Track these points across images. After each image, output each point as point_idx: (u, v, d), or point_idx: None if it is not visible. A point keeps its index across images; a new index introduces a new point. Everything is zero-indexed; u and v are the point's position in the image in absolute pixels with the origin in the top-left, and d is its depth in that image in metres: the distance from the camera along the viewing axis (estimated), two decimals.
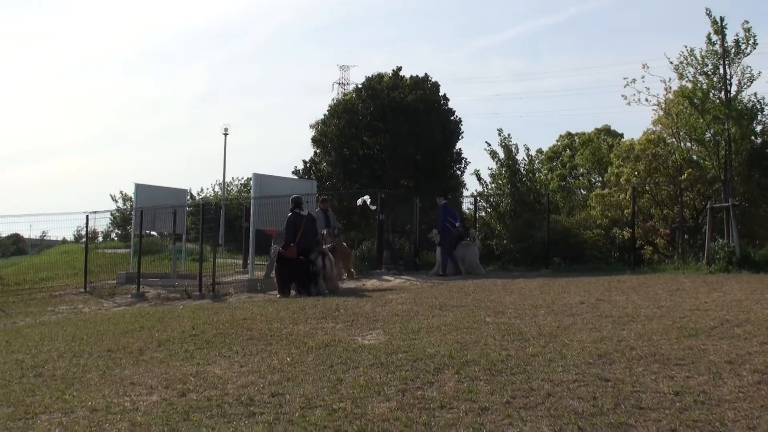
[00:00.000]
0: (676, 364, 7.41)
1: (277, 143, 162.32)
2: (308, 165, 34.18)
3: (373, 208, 22.46)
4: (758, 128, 23.21)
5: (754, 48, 20.62)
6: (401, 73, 33.83)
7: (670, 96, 22.96)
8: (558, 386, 6.86)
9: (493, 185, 29.18)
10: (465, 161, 33.86)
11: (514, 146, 28.84)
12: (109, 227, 49.40)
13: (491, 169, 29.48)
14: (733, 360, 7.47)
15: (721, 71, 20.89)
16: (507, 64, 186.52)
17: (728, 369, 7.17)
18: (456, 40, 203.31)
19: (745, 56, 20.70)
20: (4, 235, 46.52)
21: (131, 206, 34.46)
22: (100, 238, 45.09)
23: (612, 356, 7.85)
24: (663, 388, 6.61)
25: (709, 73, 21.01)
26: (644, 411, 6.06)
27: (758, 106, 21.83)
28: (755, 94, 21.86)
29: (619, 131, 42.12)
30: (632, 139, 29.86)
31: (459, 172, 33.77)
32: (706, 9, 21.03)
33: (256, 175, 21.11)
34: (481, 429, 5.85)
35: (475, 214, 26.46)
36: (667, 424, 5.72)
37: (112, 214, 48.16)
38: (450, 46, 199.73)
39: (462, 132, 33.90)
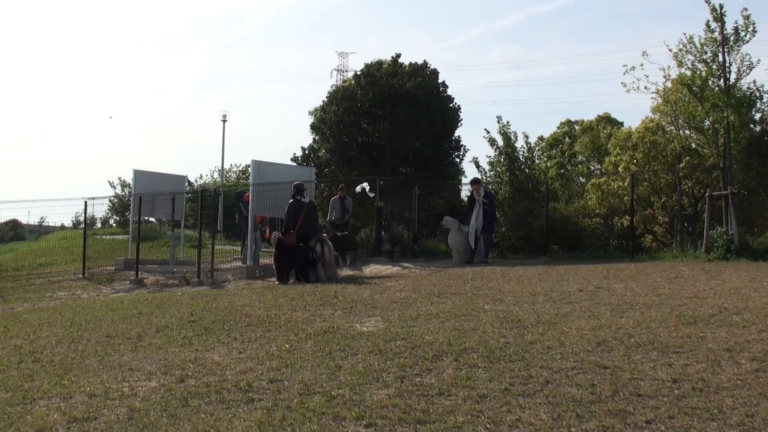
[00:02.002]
0: (675, 352, 7.42)
1: (276, 130, 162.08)
2: (307, 152, 34.15)
3: (372, 195, 22.45)
4: (757, 116, 23.19)
5: (754, 35, 20.56)
6: (400, 60, 33.77)
7: (669, 84, 22.91)
8: (556, 373, 6.87)
9: (491, 173, 29.12)
10: (464, 149, 33.81)
11: (513, 134, 28.76)
12: (108, 213, 49.46)
13: (490, 156, 29.39)
14: (731, 348, 7.49)
15: (720, 59, 20.82)
16: (505, 51, 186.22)
17: (727, 357, 7.18)
18: (453, 27, 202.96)
19: (744, 44, 20.63)
20: (2, 220, 46.58)
21: (130, 192, 34.41)
22: (99, 224, 45.08)
23: (610, 344, 7.87)
24: (661, 376, 6.62)
25: (708, 60, 20.94)
26: (642, 398, 6.08)
27: (757, 94, 21.77)
28: (754, 81, 21.81)
29: (620, 119, 42.13)
30: (630, 127, 29.88)
31: (458, 160, 33.73)
32: None
33: (255, 162, 21.08)
34: (480, 416, 5.86)
35: None
36: (665, 412, 5.74)
37: (110, 201, 48.17)
38: (447, 33, 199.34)
39: (461, 119, 33.87)
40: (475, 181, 21.03)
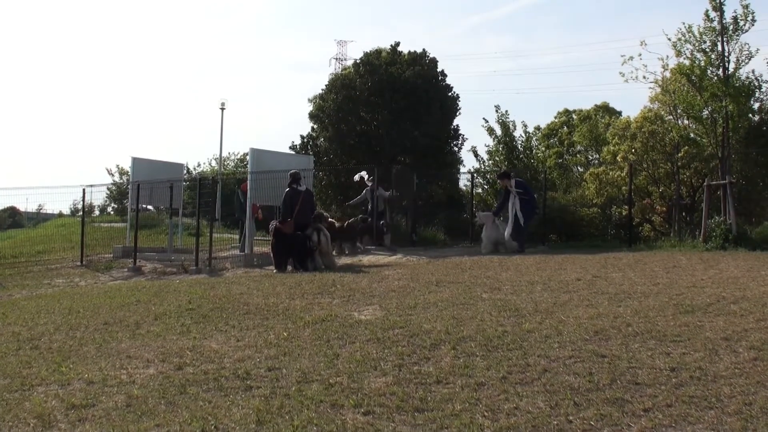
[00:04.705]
0: (673, 341, 7.43)
1: (274, 118, 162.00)
2: (306, 140, 34.12)
3: (370, 184, 22.44)
4: (756, 106, 23.15)
5: (753, 25, 20.48)
6: (399, 49, 33.69)
7: (668, 73, 22.86)
8: (554, 362, 6.88)
9: (490, 162, 29.17)
10: (462, 138, 33.77)
11: (511, 123, 28.81)
12: (106, 201, 49.49)
13: (488, 145, 29.46)
14: (729, 336, 7.50)
15: (719, 48, 20.75)
16: (502, 41, 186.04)
17: (724, 345, 7.20)
18: (450, 17, 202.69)
19: (743, 33, 20.53)
20: (0, 207, 46.54)
21: (128, 180, 34.41)
22: (97, 212, 45.09)
23: (608, 332, 7.87)
24: (659, 364, 6.64)
25: (707, 50, 20.86)
26: (640, 387, 6.09)
27: (756, 84, 21.71)
28: (753, 71, 21.78)
29: (618, 109, 42.01)
30: (628, 116, 29.83)
31: (456, 149, 33.71)
32: None
33: (254, 150, 21.03)
34: (477, 404, 5.88)
35: (472, 190, 26.43)
36: (663, 400, 5.75)
37: (108, 188, 48.17)
38: (444, 23, 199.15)
39: (460, 108, 33.82)
40: (502, 176, 20.72)
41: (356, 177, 23.14)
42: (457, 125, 33.64)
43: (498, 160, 28.53)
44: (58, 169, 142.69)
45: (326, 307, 10.59)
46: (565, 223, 23.28)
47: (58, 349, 9.19)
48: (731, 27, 20.54)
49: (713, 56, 20.81)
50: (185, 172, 34.67)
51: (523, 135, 29.65)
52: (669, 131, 24.31)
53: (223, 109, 52.86)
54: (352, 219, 22.15)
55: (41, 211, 46.67)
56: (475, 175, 27.46)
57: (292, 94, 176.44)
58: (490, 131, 28.95)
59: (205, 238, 20.27)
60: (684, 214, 24.17)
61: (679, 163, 23.79)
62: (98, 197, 48.98)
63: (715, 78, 20.73)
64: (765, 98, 22.95)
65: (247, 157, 23.01)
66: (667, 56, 22.48)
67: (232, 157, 64.14)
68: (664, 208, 25.15)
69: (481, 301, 10.33)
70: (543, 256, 16.66)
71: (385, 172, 23.47)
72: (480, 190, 27.80)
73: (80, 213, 30.10)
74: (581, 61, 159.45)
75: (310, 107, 33.97)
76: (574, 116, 43.67)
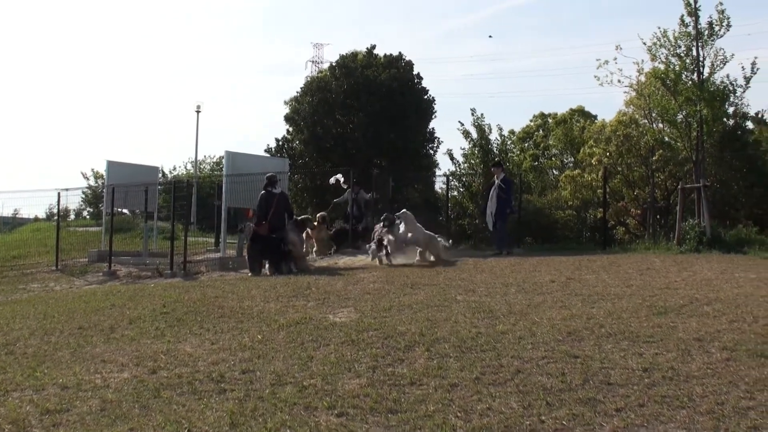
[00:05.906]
0: (645, 342, 7.49)
1: (250, 121, 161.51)
2: (281, 143, 34.10)
3: (346, 187, 22.44)
4: (730, 110, 23.30)
5: (728, 30, 20.64)
6: (375, 52, 33.77)
7: (643, 78, 23.01)
8: (527, 363, 6.92)
9: (465, 165, 29.15)
10: (438, 141, 33.90)
11: (486, 126, 28.79)
12: (81, 205, 49.22)
13: (464, 148, 29.44)
14: (701, 337, 7.56)
15: (694, 53, 20.90)
16: (479, 44, 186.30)
17: (697, 346, 7.26)
18: (428, 20, 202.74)
19: (718, 38, 20.72)
20: None
21: (103, 184, 34.23)
22: (72, 216, 44.88)
23: (581, 333, 7.92)
24: (632, 365, 6.68)
25: (682, 54, 21.01)
26: (613, 387, 6.13)
27: (730, 88, 21.86)
28: (728, 76, 21.91)
29: (594, 112, 42.19)
30: (604, 120, 30.00)
31: (432, 152, 33.82)
32: None
33: (229, 153, 20.99)
34: (451, 405, 5.90)
35: (447, 193, 26.43)
36: (635, 400, 5.79)
37: (83, 192, 47.89)
38: (421, 26, 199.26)
39: (435, 111, 33.93)
40: (494, 165, 20.76)
41: (332, 180, 23.14)
42: (433, 128, 33.88)
43: (473, 163, 28.50)
44: (34, 174, 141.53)
45: (301, 309, 10.59)
46: (540, 226, 23.36)
47: (32, 354, 9.15)
48: (706, 32, 20.72)
49: (688, 61, 20.98)
50: (160, 175, 34.54)
51: (499, 138, 29.66)
52: (644, 135, 24.48)
53: (198, 111, 52.63)
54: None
55: (16, 215, 46.42)
56: (450, 178, 27.46)
57: (268, 97, 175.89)
58: (466, 134, 28.93)
59: (180, 242, 20.20)
60: (658, 216, 24.33)
61: (654, 167, 23.94)
62: (73, 201, 48.58)
63: (690, 82, 20.89)
64: (739, 102, 23.12)
65: (223, 161, 22.98)
66: (643, 60, 22.68)
67: (208, 161, 63.93)
68: (639, 211, 25.30)
69: (455, 303, 10.36)
70: (518, 259, 16.72)
71: (361, 175, 23.50)
72: (456, 193, 27.76)
73: (55, 217, 29.92)
74: (559, 65, 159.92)
75: (286, 110, 34.00)
76: (550, 120, 43.83)
